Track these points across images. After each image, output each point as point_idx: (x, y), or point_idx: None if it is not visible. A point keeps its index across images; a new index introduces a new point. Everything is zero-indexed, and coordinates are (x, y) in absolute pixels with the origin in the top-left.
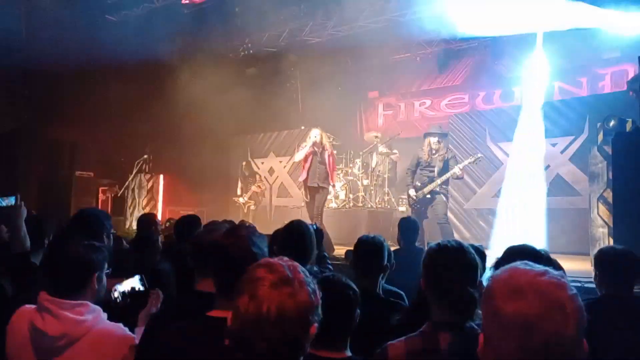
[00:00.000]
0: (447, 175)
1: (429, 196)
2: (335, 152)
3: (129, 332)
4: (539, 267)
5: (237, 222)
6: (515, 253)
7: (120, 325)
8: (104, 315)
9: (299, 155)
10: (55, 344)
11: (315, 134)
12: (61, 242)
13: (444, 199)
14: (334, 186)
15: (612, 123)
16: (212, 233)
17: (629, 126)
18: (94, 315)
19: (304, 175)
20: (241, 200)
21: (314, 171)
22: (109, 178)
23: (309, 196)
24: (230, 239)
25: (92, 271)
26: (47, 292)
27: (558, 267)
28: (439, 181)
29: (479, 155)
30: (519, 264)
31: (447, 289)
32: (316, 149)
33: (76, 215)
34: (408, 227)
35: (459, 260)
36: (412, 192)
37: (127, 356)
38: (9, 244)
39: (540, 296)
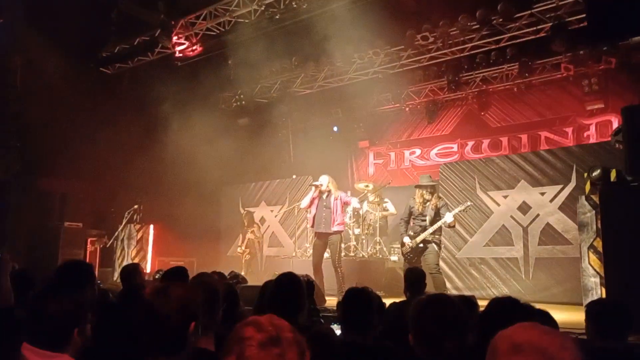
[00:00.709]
0: (439, 223)
1: (421, 245)
2: (343, 196)
3: None
4: (545, 327)
5: (232, 272)
6: (499, 305)
7: None
8: None
9: (304, 202)
10: None
11: (322, 180)
12: (44, 296)
13: (436, 248)
14: (335, 232)
15: (596, 173)
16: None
17: (613, 176)
18: None
19: (310, 222)
20: (239, 250)
21: (319, 216)
22: (98, 229)
23: (315, 241)
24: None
25: (72, 326)
26: (30, 343)
27: (549, 319)
28: (430, 230)
29: (469, 203)
30: (526, 323)
31: (435, 343)
32: (321, 194)
33: (60, 268)
34: (416, 279)
35: (445, 314)
36: (407, 239)
37: None
38: None
39: (542, 355)
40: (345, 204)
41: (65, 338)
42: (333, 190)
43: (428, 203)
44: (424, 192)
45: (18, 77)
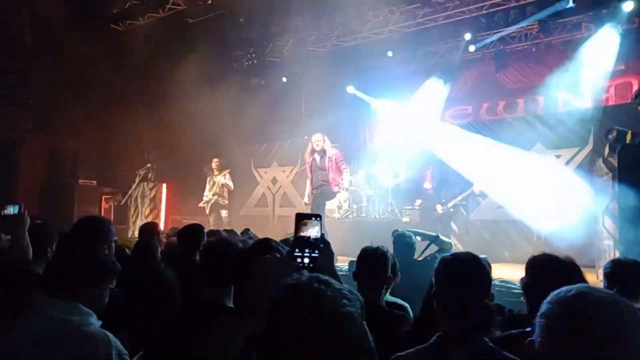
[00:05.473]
0: (468, 192)
1: (452, 210)
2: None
3: (114, 339)
4: (606, 292)
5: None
6: (539, 263)
7: (108, 332)
8: (97, 322)
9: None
10: (38, 340)
11: (315, 139)
12: (61, 249)
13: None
14: (338, 190)
15: (612, 135)
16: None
17: (628, 138)
18: (82, 317)
19: (309, 188)
20: (205, 198)
21: (316, 180)
22: (112, 186)
23: (313, 205)
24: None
25: (93, 275)
26: (45, 293)
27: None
28: (460, 197)
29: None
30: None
31: (462, 300)
32: (315, 157)
33: (78, 223)
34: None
35: (473, 271)
36: (438, 207)
37: None
38: (8, 252)
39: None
40: (338, 169)
41: (80, 287)
42: (328, 149)
43: None
44: None
45: (26, 33)
